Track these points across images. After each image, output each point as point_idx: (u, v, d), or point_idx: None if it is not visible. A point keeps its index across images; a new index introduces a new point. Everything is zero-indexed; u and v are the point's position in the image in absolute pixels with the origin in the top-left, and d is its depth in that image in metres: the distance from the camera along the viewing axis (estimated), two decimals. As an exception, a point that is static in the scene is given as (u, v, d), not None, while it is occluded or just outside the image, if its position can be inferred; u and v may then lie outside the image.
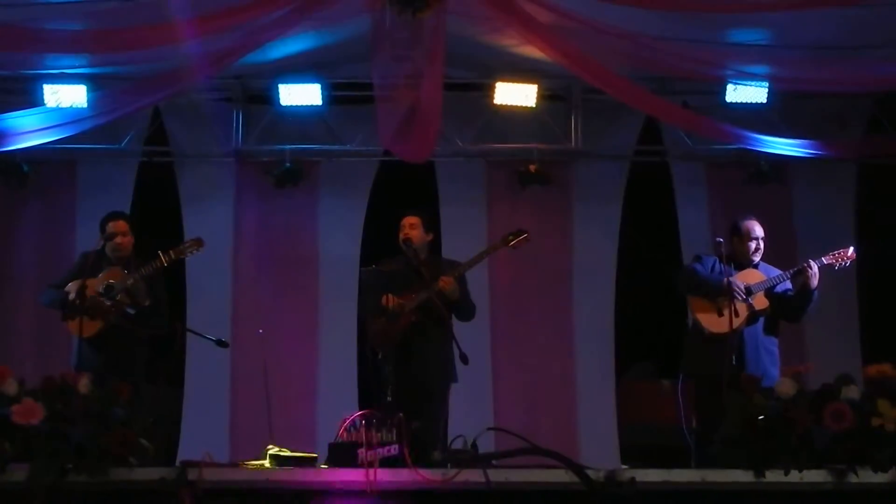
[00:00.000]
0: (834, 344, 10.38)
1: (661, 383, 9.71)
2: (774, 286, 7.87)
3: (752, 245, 8.01)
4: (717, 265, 8.00)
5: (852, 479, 5.67)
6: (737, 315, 7.61)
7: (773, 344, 7.90)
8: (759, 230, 8.04)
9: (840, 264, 7.94)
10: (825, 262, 7.89)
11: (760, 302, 7.83)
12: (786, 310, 8.00)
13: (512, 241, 8.21)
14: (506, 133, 10.94)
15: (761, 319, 7.88)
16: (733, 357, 7.52)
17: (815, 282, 7.81)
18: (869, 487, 5.68)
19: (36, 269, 10.60)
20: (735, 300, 7.65)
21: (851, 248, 7.98)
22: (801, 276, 7.84)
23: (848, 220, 10.84)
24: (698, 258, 8.18)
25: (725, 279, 7.68)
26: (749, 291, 7.79)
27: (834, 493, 5.69)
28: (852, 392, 5.83)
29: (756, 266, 8.03)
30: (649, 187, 11.11)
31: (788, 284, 7.96)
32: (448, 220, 10.62)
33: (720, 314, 7.74)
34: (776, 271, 7.96)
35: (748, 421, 5.82)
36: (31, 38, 8.62)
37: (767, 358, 7.74)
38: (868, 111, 10.76)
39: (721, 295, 7.73)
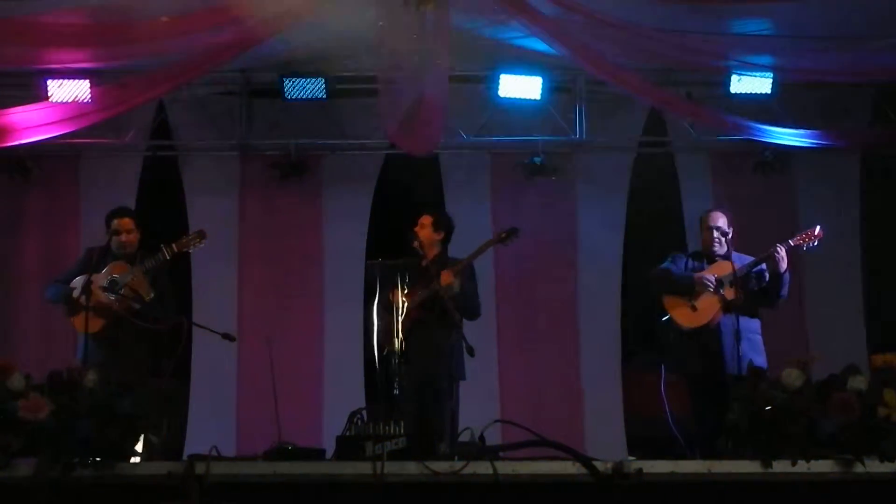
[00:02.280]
0: (840, 334, 10.38)
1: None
2: (745, 274, 7.91)
3: (712, 234, 8.11)
4: (690, 262, 8.17)
5: (859, 468, 5.68)
6: (713, 306, 7.89)
7: (753, 332, 7.94)
8: (719, 220, 8.19)
9: (808, 244, 8.06)
10: (792, 243, 8.03)
11: (732, 292, 7.89)
12: (761, 296, 8.06)
13: (504, 237, 8.34)
14: (511, 125, 10.93)
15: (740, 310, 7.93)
16: (712, 352, 7.88)
17: (783, 265, 7.95)
18: (876, 477, 5.68)
19: (40, 263, 10.60)
20: (707, 293, 7.91)
21: (818, 227, 8.10)
22: (769, 260, 7.93)
23: (852, 209, 10.86)
24: (671, 258, 8.29)
25: (695, 275, 8.00)
26: (721, 283, 7.89)
27: (841, 482, 5.69)
28: (859, 382, 5.83)
29: (728, 257, 8.09)
30: (654, 178, 11.09)
31: (763, 267, 8.03)
32: (453, 212, 10.59)
33: (693, 309, 7.88)
34: (748, 259, 8.02)
35: (755, 412, 5.82)
36: (34, 33, 8.62)
37: (747, 345, 7.75)
38: (872, 101, 10.76)
39: (693, 290, 7.92)
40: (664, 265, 8.29)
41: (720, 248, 8.13)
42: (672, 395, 8.14)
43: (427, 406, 8.03)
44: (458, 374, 8.11)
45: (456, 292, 8.04)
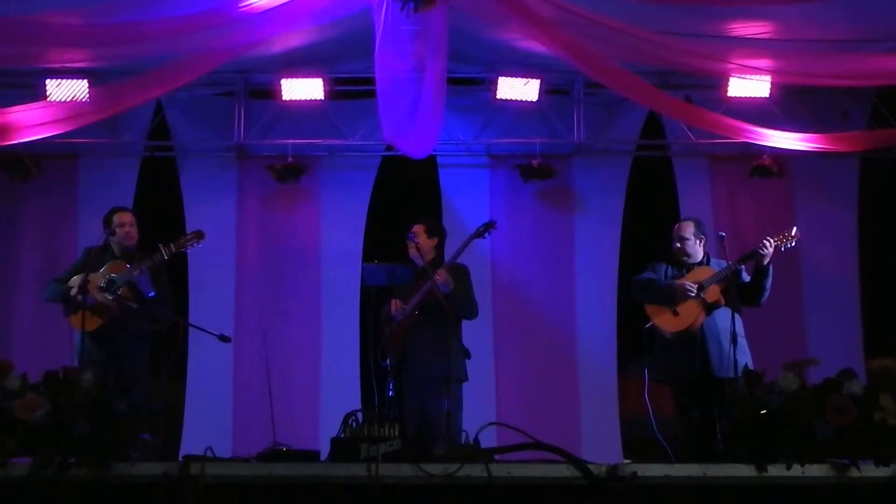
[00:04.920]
0: (836, 338, 10.38)
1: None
2: (726, 276, 7.93)
3: (677, 246, 8.16)
4: (670, 270, 8.24)
5: (854, 473, 5.68)
6: (695, 310, 7.94)
7: (737, 334, 7.93)
8: (685, 231, 8.24)
9: (785, 244, 8.06)
10: (773, 242, 8.01)
11: (713, 294, 7.95)
12: (744, 294, 8.08)
13: (482, 231, 8.43)
14: (508, 127, 10.95)
15: (722, 313, 7.92)
16: (698, 356, 7.87)
17: (767, 259, 7.95)
18: (871, 482, 5.69)
19: (38, 263, 10.61)
20: (688, 298, 7.95)
21: (795, 228, 8.11)
22: (753, 256, 7.97)
23: (850, 213, 10.86)
24: (651, 266, 8.33)
25: (676, 283, 8.03)
26: (701, 287, 7.93)
27: (836, 487, 5.69)
28: (854, 386, 5.83)
29: (707, 262, 8.21)
30: (651, 181, 11.11)
31: (741, 268, 8.07)
32: (450, 214, 10.64)
33: (675, 314, 7.96)
34: (725, 264, 8.05)
35: (750, 415, 5.82)
36: (34, 32, 8.62)
37: (732, 347, 7.76)
38: (870, 105, 10.77)
39: (674, 297, 8.00)
40: (645, 274, 8.32)
41: (693, 257, 8.21)
42: (659, 399, 8.18)
43: (423, 408, 8.05)
44: (456, 376, 8.12)
45: (450, 290, 8.09)
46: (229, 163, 11.06)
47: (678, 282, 8.08)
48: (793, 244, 8.14)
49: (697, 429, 7.76)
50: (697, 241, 8.24)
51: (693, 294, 7.95)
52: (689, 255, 8.19)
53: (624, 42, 8.93)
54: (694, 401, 7.95)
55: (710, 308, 7.98)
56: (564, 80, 10.76)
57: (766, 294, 8.13)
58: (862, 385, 5.87)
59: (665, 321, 8.10)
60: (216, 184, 10.99)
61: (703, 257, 8.26)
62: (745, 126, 10.01)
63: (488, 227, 8.42)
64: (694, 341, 7.96)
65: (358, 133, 10.85)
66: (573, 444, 8.77)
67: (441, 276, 8.05)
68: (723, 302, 7.92)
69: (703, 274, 8.07)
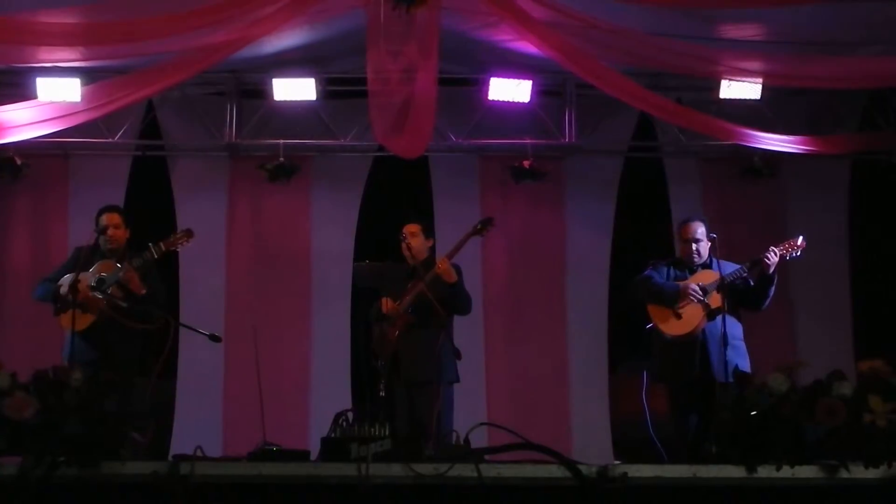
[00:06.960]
0: (826, 339, 10.41)
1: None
2: (731, 281, 7.91)
3: (691, 247, 8.12)
4: (672, 271, 8.19)
5: (844, 474, 5.68)
6: (698, 315, 7.94)
7: (736, 338, 7.92)
8: (696, 231, 8.19)
9: (791, 254, 8.03)
10: (778, 251, 7.98)
11: (716, 300, 7.92)
12: (746, 299, 8.07)
13: (480, 229, 8.40)
14: (500, 128, 10.93)
15: (722, 316, 7.91)
16: (698, 359, 7.88)
17: (773, 268, 7.92)
18: (860, 483, 5.68)
19: (28, 262, 10.60)
20: (692, 302, 7.95)
21: (801, 238, 8.09)
22: (759, 265, 7.93)
23: (841, 215, 10.88)
24: (652, 264, 8.28)
25: (681, 284, 8.03)
26: (705, 291, 7.91)
27: (825, 488, 5.68)
28: (844, 388, 5.83)
29: (710, 265, 8.13)
30: (643, 183, 11.12)
31: (746, 273, 8.04)
32: (442, 214, 10.64)
33: (678, 318, 7.92)
34: (733, 266, 8.02)
35: (740, 416, 5.82)
36: (24, 31, 8.60)
37: (732, 351, 7.74)
38: (862, 107, 10.78)
39: (678, 300, 7.96)
40: (646, 273, 8.28)
41: (699, 259, 8.16)
42: (652, 400, 8.16)
43: (414, 408, 8.05)
44: (447, 377, 8.12)
45: (454, 279, 8.09)
46: (221, 162, 11.06)
47: (683, 284, 8.04)
48: (798, 254, 8.09)
49: (693, 431, 7.76)
50: (707, 242, 8.19)
51: (698, 297, 7.92)
52: (700, 256, 8.14)
53: (615, 44, 8.94)
54: (692, 403, 7.93)
55: (713, 314, 7.95)
56: (556, 82, 10.76)
57: (769, 300, 8.12)
58: (852, 386, 5.87)
59: (667, 324, 8.05)
60: (207, 183, 10.99)
61: (707, 258, 8.20)
62: (736, 128, 10.02)
63: (487, 224, 8.40)
64: (695, 344, 7.94)
65: (350, 133, 10.86)
66: (564, 445, 8.80)
67: (444, 265, 8.05)
68: (725, 308, 7.89)
69: (707, 278, 8.01)
